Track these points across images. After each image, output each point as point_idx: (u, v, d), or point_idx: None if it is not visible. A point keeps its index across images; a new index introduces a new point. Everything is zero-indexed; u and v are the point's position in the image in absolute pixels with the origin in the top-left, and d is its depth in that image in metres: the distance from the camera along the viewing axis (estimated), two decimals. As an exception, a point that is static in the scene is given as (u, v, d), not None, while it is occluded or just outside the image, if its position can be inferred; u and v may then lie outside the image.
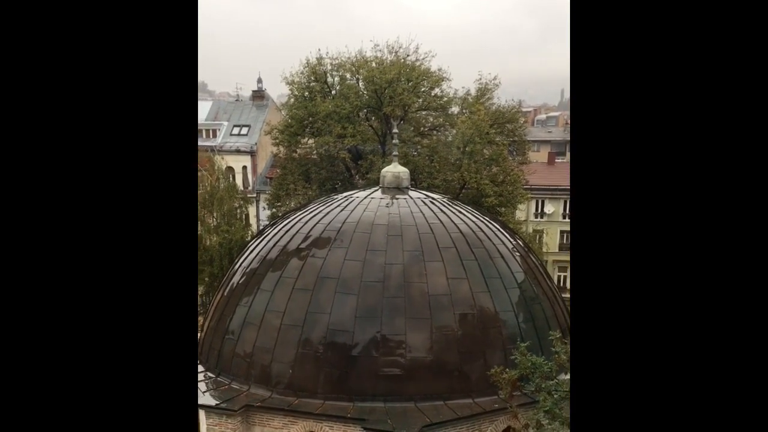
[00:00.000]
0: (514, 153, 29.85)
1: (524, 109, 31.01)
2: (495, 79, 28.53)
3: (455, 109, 28.98)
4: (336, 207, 14.07)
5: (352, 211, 13.72)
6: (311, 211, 14.32)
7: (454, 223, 13.40)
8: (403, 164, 18.32)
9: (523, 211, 32.81)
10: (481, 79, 28.41)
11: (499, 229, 14.12)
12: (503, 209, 25.19)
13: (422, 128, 28.74)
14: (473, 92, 28.40)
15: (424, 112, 29.04)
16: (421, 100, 28.02)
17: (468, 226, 13.50)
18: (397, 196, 14.49)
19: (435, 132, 28.82)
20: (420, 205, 13.95)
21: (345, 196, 14.85)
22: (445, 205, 14.31)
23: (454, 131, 26.61)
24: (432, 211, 13.77)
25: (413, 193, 14.90)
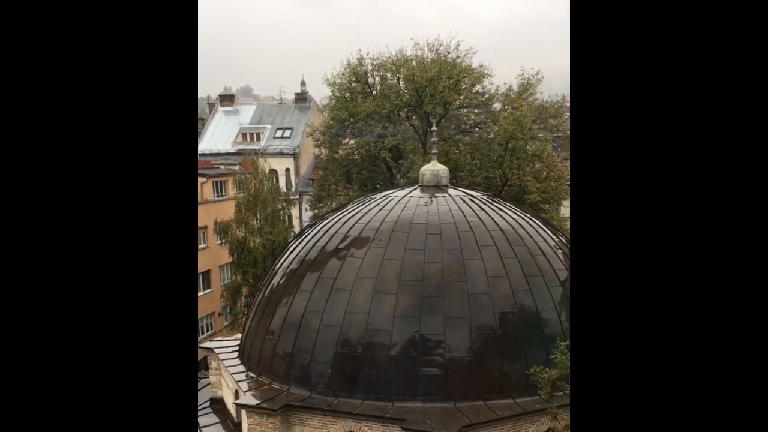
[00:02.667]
0: (558, 148, 29.20)
1: (569, 104, 30.25)
2: (538, 74, 28.00)
3: (497, 106, 28.57)
4: (374, 206, 14.03)
5: (391, 210, 13.65)
6: (350, 211, 14.32)
7: (494, 221, 13.17)
8: (444, 162, 18.15)
9: (568, 208, 32.11)
10: (523, 74, 27.94)
11: (540, 226, 13.81)
12: (547, 206, 24.70)
13: (463, 126, 28.46)
14: (515, 88, 27.95)
15: (465, 110, 28.74)
16: (462, 97, 27.75)
17: (508, 223, 13.25)
18: (436, 195, 14.34)
19: (476, 129, 28.49)
20: (459, 203, 13.77)
21: (383, 196, 14.79)
22: (484, 203, 14.09)
23: (496, 128, 26.23)
24: (471, 208, 13.58)
25: (452, 191, 14.73)
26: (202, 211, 30.03)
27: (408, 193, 14.51)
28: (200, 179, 31.98)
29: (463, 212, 13.34)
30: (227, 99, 48.29)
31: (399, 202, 13.93)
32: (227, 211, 29.55)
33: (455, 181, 21.67)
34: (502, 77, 45.28)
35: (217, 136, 43.84)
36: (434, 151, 16.16)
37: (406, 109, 27.62)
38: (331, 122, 28.61)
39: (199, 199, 31.02)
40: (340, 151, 28.53)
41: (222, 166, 37.69)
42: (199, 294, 30.18)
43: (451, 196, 14.22)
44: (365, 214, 13.77)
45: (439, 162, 15.93)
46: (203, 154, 42.34)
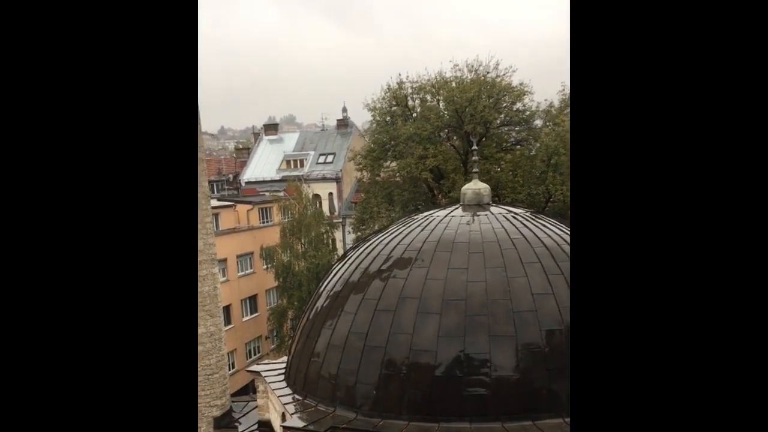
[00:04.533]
0: (603, 163, 28.75)
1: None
2: (579, 89, 27.74)
3: (538, 123, 28.40)
4: (416, 227, 14.01)
5: (433, 230, 13.61)
6: (392, 233, 14.33)
7: (538, 238, 12.96)
8: (486, 180, 18.07)
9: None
10: (564, 90, 27.72)
11: (586, 242, 13.53)
12: (593, 222, 24.22)
13: (505, 143, 28.33)
14: (557, 104, 27.72)
15: (506, 128, 28.65)
16: (502, 115, 27.69)
17: (553, 239, 13.01)
18: (478, 213, 14.24)
19: (518, 146, 28.32)
20: (502, 221, 13.62)
21: (425, 216, 14.76)
22: (528, 220, 13.90)
23: (538, 144, 26.03)
24: (514, 226, 13.41)
25: (495, 209, 14.59)
26: (248, 237, 30.65)
27: (449, 213, 14.44)
28: (246, 207, 32.73)
29: (506, 230, 13.18)
30: (271, 128, 49.42)
31: (441, 222, 13.88)
32: (273, 236, 30.09)
33: (497, 199, 21.53)
34: (542, 94, 45.05)
35: (262, 165, 44.81)
36: (475, 170, 16.10)
37: (446, 130, 27.73)
38: (372, 146, 28.93)
39: (246, 225, 31.67)
40: (381, 174, 28.77)
41: (267, 194, 38.46)
42: (246, 318, 30.65)
43: (493, 214, 14.09)
44: (407, 234, 13.76)
45: (481, 180, 15.84)
46: (249, 182, 43.33)
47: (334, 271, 14.53)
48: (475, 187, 15.07)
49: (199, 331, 16.07)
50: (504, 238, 12.85)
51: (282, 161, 44.21)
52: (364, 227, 27.98)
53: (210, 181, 31.00)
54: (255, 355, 31.28)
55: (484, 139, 25.96)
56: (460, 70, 28.03)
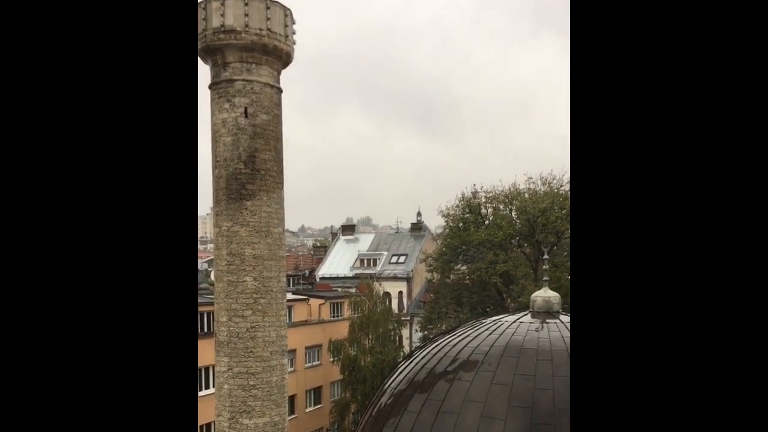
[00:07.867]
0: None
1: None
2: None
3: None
4: (484, 331, 14.12)
5: (501, 334, 13.69)
6: (459, 335, 14.49)
7: (608, 350, 12.81)
8: (556, 288, 18.06)
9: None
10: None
11: (658, 358, 13.20)
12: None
13: (577, 254, 28.20)
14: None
15: (579, 238, 28.61)
16: (575, 226, 27.84)
17: (623, 352, 12.83)
18: (548, 321, 14.25)
19: (591, 257, 28.08)
20: (571, 330, 13.59)
21: (494, 320, 14.88)
22: (597, 331, 13.78)
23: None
24: (584, 336, 13.33)
25: (564, 318, 14.56)
26: (318, 330, 31.22)
27: (518, 318, 14.52)
28: (319, 301, 33.55)
29: (574, 339, 13.12)
30: (348, 229, 51.45)
31: (509, 327, 13.95)
32: (342, 330, 30.55)
33: (568, 307, 21.28)
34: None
35: (337, 262, 46.18)
36: (546, 278, 16.26)
37: (517, 237, 28.05)
38: (443, 249, 29.53)
39: (317, 318, 32.34)
40: (451, 276, 29.12)
41: (339, 289, 39.35)
42: (309, 409, 30.61)
43: (563, 322, 14.07)
44: (475, 337, 13.88)
45: (551, 288, 15.92)
46: (323, 278, 44.55)
47: (400, 369, 14.69)
48: (546, 295, 15.14)
49: (263, 420, 16.39)
50: (573, 348, 12.76)
51: (356, 259, 45.41)
52: (431, 326, 28.08)
53: (287, 275, 32.25)
54: (315, 446, 30.96)
55: (555, 247, 26.07)
56: (534, 182, 28.79)
